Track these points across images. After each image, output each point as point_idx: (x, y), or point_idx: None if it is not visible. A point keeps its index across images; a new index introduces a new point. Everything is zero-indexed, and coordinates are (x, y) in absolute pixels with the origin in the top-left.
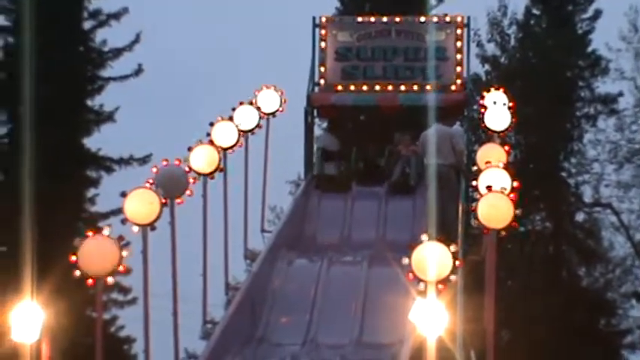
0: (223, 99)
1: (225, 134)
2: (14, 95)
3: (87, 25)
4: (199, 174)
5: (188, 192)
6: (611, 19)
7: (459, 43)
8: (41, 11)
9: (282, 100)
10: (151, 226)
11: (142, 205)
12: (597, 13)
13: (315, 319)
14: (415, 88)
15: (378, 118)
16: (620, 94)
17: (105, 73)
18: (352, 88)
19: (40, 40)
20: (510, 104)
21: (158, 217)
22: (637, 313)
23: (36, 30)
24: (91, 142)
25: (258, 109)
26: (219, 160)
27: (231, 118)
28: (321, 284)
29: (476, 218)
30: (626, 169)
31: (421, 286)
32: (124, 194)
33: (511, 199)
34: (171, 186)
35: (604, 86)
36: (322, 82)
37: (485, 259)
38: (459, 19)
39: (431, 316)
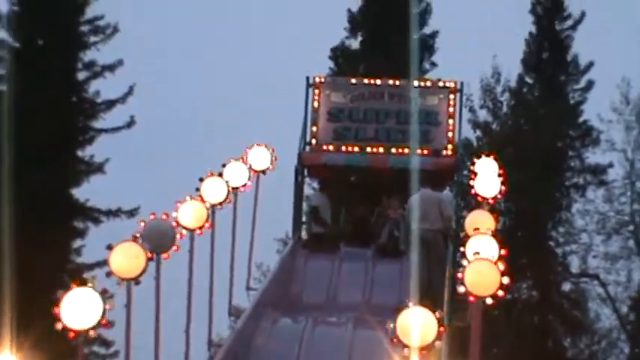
0: (214, 155)
1: (214, 190)
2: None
3: (81, 75)
4: (187, 229)
5: (175, 247)
6: (603, 91)
7: (451, 109)
8: (36, 60)
9: (273, 158)
10: (136, 280)
11: (127, 258)
12: (590, 84)
13: None
14: (406, 151)
15: (369, 179)
16: (610, 165)
17: (97, 124)
18: (343, 148)
19: (34, 89)
20: (500, 171)
21: (143, 272)
22: None
23: (30, 78)
24: (80, 193)
25: (249, 166)
26: (208, 216)
27: (221, 174)
28: (305, 344)
29: (462, 285)
30: (614, 241)
31: (405, 351)
32: (110, 247)
33: (498, 267)
34: (157, 240)
35: (594, 157)
36: (314, 141)
37: (471, 325)
38: (452, 84)
39: None
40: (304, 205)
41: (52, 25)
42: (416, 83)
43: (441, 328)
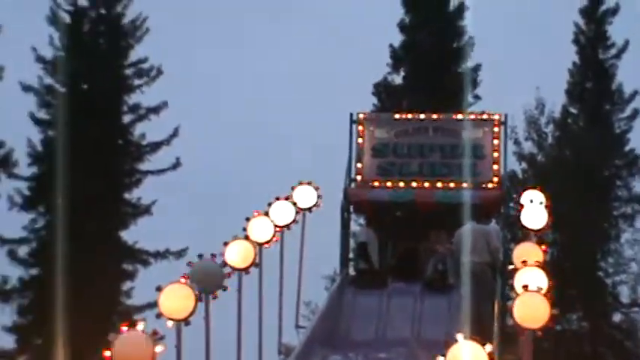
0: (260, 194)
1: (261, 229)
2: (52, 188)
3: (126, 118)
4: (234, 269)
5: (223, 287)
6: None
7: (495, 141)
8: (82, 105)
9: (319, 196)
10: (186, 321)
11: (176, 299)
12: (635, 113)
13: None
14: (452, 185)
15: (414, 214)
16: None
17: (143, 166)
18: (388, 184)
19: (80, 134)
20: (547, 203)
21: (193, 312)
22: None
23: (75, 123)
24: (128, 235)
25: (294, 204)
26: (255, 255)
27: (267, 214)
28: None
29: (512, 318)
30: None
31: None
32: (159, 288)
33: (547, 299)
34: (206, 281)
35: None
36: (359, 177)
37: (521, 358)
38: (496, 116)
39: None
40: (351, 242)
41: (96, 69)
42: (460, 116)
43: None
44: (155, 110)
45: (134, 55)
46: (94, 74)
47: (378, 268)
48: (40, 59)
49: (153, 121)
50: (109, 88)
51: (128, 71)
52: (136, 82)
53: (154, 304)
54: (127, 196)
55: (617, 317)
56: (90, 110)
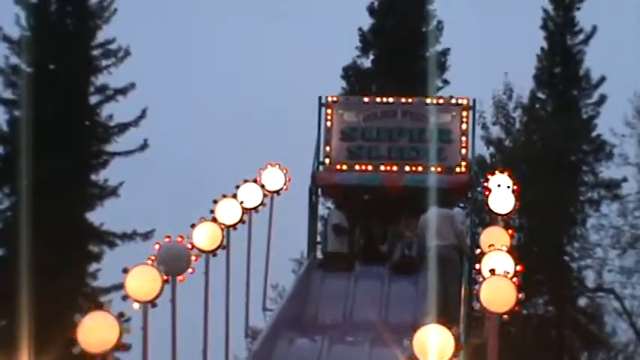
0: (227, 176)
1: (228, 211)
2: (17, 168)
3: (93, 99)
4: (202, 251)
5: (190, 269)
6: (615, 105)
7: (464, 126)
8: (48, 85)
9: (287, 179)
10: (152, 303)
11: (143, 281)
12: (602, 99)
13: None
14: (420, 169)
15: (382, 198)
16: (624, 179)
17: (110, 147)
18: (357, 167)
19: (47, 114)
20: (514, 187)
21: (159, 294)
22: None
23: (42, 103)
24: (94, 217)
25: (262, 187)
26: (222, 238)
27: (234, 196)
28: None
29: (478, 302)
30: (629, 255)
31: None
32: (125, 270)
33: (514, 283)
34: (173, 263)
35: (608, 171)
36: (327, 161)
37: (487, 342)
38: (464, 101)
39: None
40: (319, 225)
41: (63, 50)
42: (428, 101)
43: (458, 346)
44: (123, 91)
45: (101, 36)
46: (61, 54)
47: (347, 251)
48: (6, 39)
49: (120, 103)
50: (76, 68)
51: (95, 52)
52: (104, 62)
53: (120, 286)
54: (93, 177)
55: (582, 301)
56: (56, 91)
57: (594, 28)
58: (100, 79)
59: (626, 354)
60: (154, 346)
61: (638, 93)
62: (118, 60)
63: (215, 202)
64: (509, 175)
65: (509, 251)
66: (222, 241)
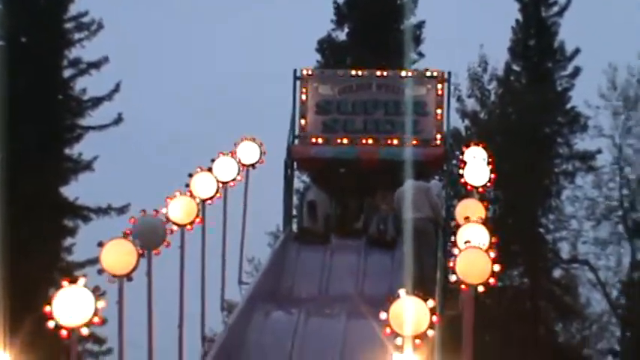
0: (203, 150)
1: (204, 185)
2: None
3: (66, 73)
4: (177, 225)
5: (165, 243)
6: (590, 77)
7: (439, 98)
8: (21, 58)
9: (262, 152)
10: (128, 276)
11: (118, 255)
12: (576, 71)
13: None
14: (395, 142)
15: (358, 171)
16: (599, 151)
17: (84, 121)
18: (332, 141)
19: (19, 88)
20: (489, 160)
21: (135, 268)
22: None
23: (14, 77)
24: (69, 191)
25: (238, 160)
26: (198, 211)
27: (210, 169)
28: (298, 337)
29: (454, 274)
30: (603, 226)
31: (398, 341)
32: (100, 244)
33: (489, 255)
34: (148, 237)
35: (582, 143)
36: (302, 134)
37: (463, 314)
38: (439, 73)
39: None
40: (294, 198)
41: (35, 23)
42: (403, 73)
43: (434, 317)
44: (96, 65)
45: (74, 9)
46: (33, 28)
47: (323, 227)
48: None
49: (94, 76)
50: (48, 42)
51: (68, 25)
52: (77, 36)
53: (95, 261)
54: (67, 151)
55: (557, 273)
56: (29, 64)
57: (568, 0)
58: (73, 53)
59: (600, 324)
60: (129, 320)
61: (612, 65)
62: (91, 33)
63: (190, 175)
64: (485, 148)
65: (484, 223)
66: (197, 214)
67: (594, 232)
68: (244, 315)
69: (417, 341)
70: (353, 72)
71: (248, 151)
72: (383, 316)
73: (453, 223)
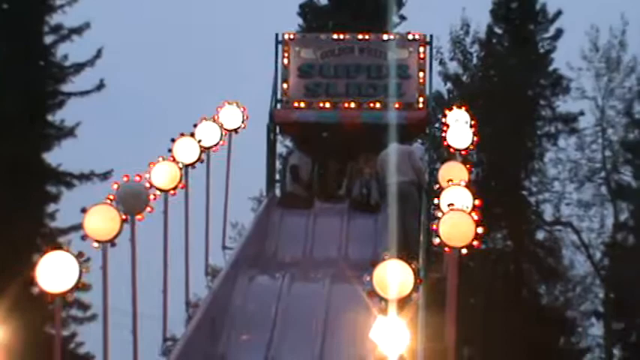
0: (185, 115)
1: (186, 150)
2: None
3: (48, 39)
4: (160, 190)
5: (149, 208)
6: (572, 39)
7: (421, 61)
8: (2, 24)
9: (245, 117)
10: (111, 242)
11: (102, 221)
12: (558, 32)
13: (276, 337)
14: (378, 105)
15: (341, 135)
16: (581, 113)
17: (66, 88)
18: (315, 105)
19: (1, 55)
20: (472, 122)
21: (118, 234)
22: (597, 332)
23: None
24: (52, 158)
25: (220, 125)
26: (181, 177)
27: (192, 135)
28: (282, 302)
29: (437, 236)
30: (586, 188)
31: (382, 304)
32: (84, 210)
33: (473, 218)
34: (131, 202)
35: (565, 105)
36: (285, 98)
37: (447, 276)
38: (421, 37)
39: (392, 334)
40: (277, 163)
41: None
42: (385, 37)
43: (418, 280)
44: (77, 31)
45: None
46: None
47: (306, 191)
48: None
49: (75, 42)
50: (29, 8)
51: None
52: (58, 2)
53: (79, 227)
54: (50, 117)
55: (540, 235)
56: (10, 31)
57: None
58: (55, 19)
59: (583, 286)
60: (113, 285)
61: (594, 26)
62: None
63: (173, 140)
64: (467, 111)
65: (467, 186)
66: (180, 180)
67: (577, 194)
68: (228, 280)
69: (401, 304)
70: (335, 36)
71: (230, 116)
72: (367, 279)
73: (436, 186)
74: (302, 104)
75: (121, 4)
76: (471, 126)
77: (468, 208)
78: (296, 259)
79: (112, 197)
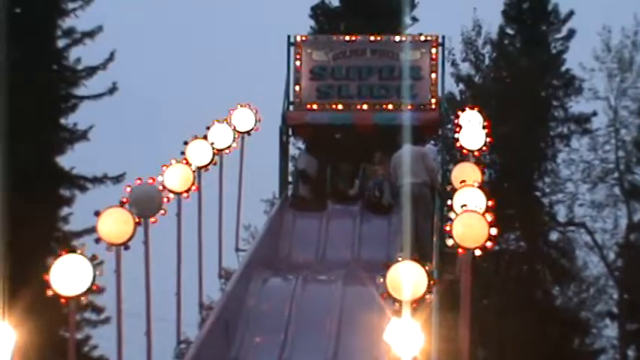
0: (198, 117)
1: (199, 153)
2: None
3: (61, 43)
4: (173, 193)
5: (162, 211)
6: (584, 39)
7: (433, 63)
8: (15, 28)
9: (257, 119)
10: (125, 245)
11: (115, 224)
12: (571, 33)
13: (289, 339)
14: (390, 107)
15: (354, 137)
16: (594, 113)
17: (79, 91)
18: (327, 107)
19: (14, 58)
20: (485, 123)
21: (132, 237)
22: (611, 333)
23: (9, 47)
24: (65, 161)
25: (233, 127)
26: (194, 179)
27: (205, 137)
28: (296, 303)
29: (451, 238)
30: (599, 189)
31: (396, 305)
32: (97, 213)
33: (486, 219)
34: (145, 205)
35: (577, 106)
36: (297, 100)
37: (460, 278)
38: (433, 38)
39: (406, 336)
40: (290, 165)
41: None
42: (397, 38)
43: (432, 282)
44: (90, 34)
45: None
46: None
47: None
48: None
49: (88, 46)
50: (42, 11)
51: None
52: (70, 5)
53: (92, 230)
54: (63, 121)
55: (554, 236)
56: (23, 35)
57: None
58: (67, 22)
59: (597, 287)
60: (127, 288)
61: (606, 27)
62: (85, 3)
63: (186, 143)
64: (480, 112)
65: (480, 187)
66: (193, 182)
67: (590, 195)
68: (242, 282)
69: (415, 306)
70: (347, 37)
71: (243, 118)
72: (380, 280)
73: (449, 188)
74: (314, 106)
75: (133, 7)
76: (484, 127)
77: (481, 209)
78: (309, 261)
79: (125, 200)
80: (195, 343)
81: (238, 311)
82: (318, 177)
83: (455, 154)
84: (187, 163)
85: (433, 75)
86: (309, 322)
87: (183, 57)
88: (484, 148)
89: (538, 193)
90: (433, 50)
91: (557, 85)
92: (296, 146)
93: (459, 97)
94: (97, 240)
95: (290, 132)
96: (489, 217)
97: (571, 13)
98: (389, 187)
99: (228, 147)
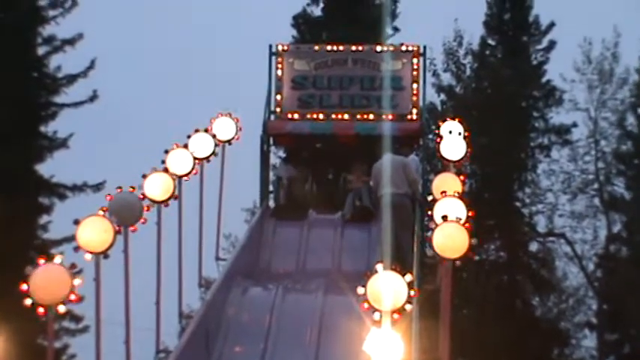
0: (179, 126)
1: (180, 162)
2: None
3: (41, 50)
4: (154, 201)
5: (142, 220)
6: (565, 50)
7: (415, 73)
8: None
9: (238, 128)
10: (104, 254)
11: (95, 232)
12: (552, 44)
13: (269, 349)
14: (371, 117)
15: (335, 146)
16: (574, 124)
17: (59, 99)
18: (308, 116)
19: None
20: (466, 134)
21: (111, 245)
22: (590, 343)
23: None
24: (44, 169)
25: (214, 136)
26: (174, 188)
27: (186, 146)
28: (276, 313)
29: (431, 248)
30: (579, 200)
31: (376, 315)
32: (76, 222)
33: (466, 229)
34: (125, 214)
35: (558, 117)
36: (278, 110)
37: (441, 288)
38: (415, 48)
39: (386, 346)
40: (271, 174)
41: (8, 0)
42: (379, 48)
43: (412, 292)
44: (70, 42)
45: None
46: (7, 4)
47: (297, 200)
48: None
49: (68, 53)
50: (22, 19)
51: (42, 2)
52: (51, 13)
53: (71, 238)
54: (42, 129)
55: (534, 247)
56: (3, 42)
57: None
58: (48, 30)
59: (577, 297)
60: (106, 297)
61: (587, 39)
62: (66, 10)
63: (166, 152)
64: (461, 122)
65: (461, 197)
66: (173, 191)
67: (570, 206)
68: (222, 291)
69: (395, 316)
70: (328, 47)
71: (224, 127)
72: (361, 290)
73: (429, 198)
74: (295, 115)
75: (113, 15)
76: (465, 137)
77: (461, 219)
78: (289, 271)
79: (105, 209)
80: (175, 353)
81: (218, 320)
82: (298, 186)
83: (436, 164)
84: (168, 171)
85: (414, 85)
86: (289, 331)
87: (163, 66)
88: (465, 158)
89: (518, 204)
90: (414, 60)
91: (538, 96)
92: (277, 155)
93: (440, 108)
94: (76, 248)
95: (271, 141)
96: (469, 228)
97: (552, 25)
98: (367, 194)
99: (209, 156)
